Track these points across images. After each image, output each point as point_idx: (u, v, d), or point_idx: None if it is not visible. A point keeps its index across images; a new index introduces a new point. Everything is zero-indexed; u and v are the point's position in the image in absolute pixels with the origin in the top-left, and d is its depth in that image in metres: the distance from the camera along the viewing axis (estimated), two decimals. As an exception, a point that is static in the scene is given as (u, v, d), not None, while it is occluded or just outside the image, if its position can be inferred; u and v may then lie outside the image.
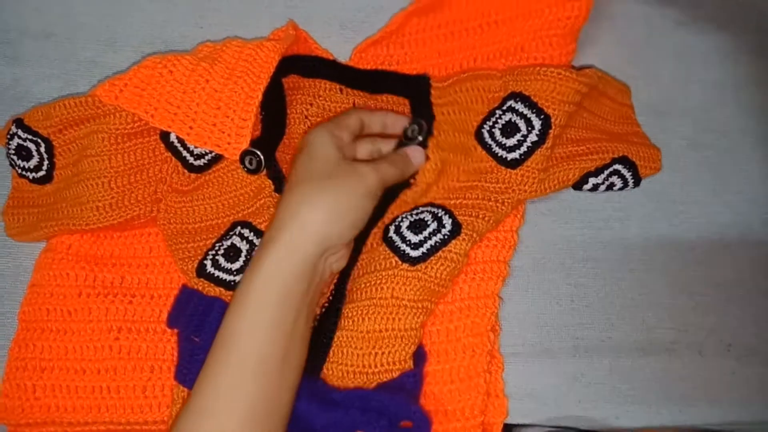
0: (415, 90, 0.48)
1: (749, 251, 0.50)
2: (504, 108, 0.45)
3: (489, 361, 0.44)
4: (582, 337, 0.48)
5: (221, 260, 0.44)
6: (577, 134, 0.47)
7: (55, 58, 0.52)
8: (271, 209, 0.45)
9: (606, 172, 0.47)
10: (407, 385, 0.42)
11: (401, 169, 0.45)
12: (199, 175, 0.47)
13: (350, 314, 0.43)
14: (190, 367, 0.42)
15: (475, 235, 0.44)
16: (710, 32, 0.55)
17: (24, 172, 0.47)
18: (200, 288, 0.44)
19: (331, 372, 0.42)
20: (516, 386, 0.46)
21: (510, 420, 0.46)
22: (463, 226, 0.44)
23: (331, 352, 0.43)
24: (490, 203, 0.45)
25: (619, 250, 0.49)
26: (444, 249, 0.43)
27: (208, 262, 0.44)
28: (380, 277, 0.43)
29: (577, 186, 0.47)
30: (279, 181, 0.46)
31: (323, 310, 0.44)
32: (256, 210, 0.46)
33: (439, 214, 0.44)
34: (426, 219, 0.44)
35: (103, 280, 0.46)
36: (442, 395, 0.43)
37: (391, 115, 0.48)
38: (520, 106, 0.45)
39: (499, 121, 0.45)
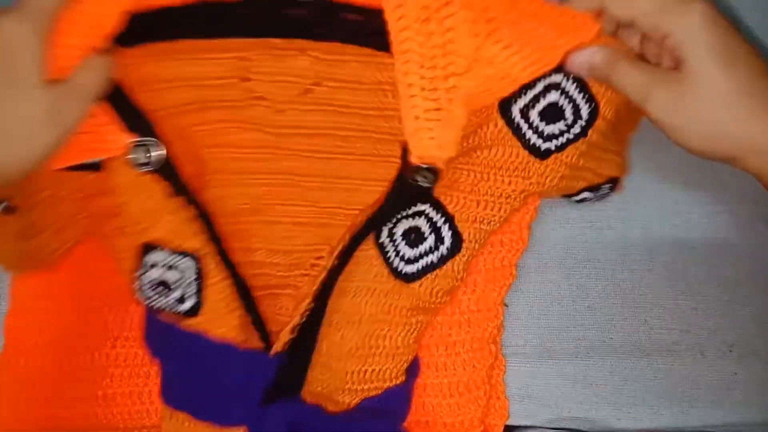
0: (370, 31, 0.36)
1: (751, 251, 0.50)
2: (548, 83, 0.37)
3: (491, 366, 0.43)
4: (583, 338, 0.47)
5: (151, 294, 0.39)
6: None
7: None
8: (183, 224, 0.38)
9: (600, 192, 0.44)
10: (393, 402, 0.40)
11: (104, 73, 0.35)
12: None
13: (336, 328, 0.40)
14: (167, 386, 0.40)
15: (477, 246, 0.40)
16: (711, 30, 0.55)
17: None
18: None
19: (316, 389, 0.39)
20: (517, 388, 0.46)
21: (511, 422, 0.45)
22: (465, 240, 0.39)
23: (317, 369, 0.39)
24: (500, 200, 0.39)
25: (620, 251, 0.49)
26: (441, 267, 0.39)
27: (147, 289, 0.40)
28: (370, 289, 0.39)
29: (568, 197, 0.44)
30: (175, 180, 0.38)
31: (304, 319, 0.40)
32: (162, 228, 0.38)
33: (438, 225, 0.39)
34: (423, 230, 0.39)
35: (99, 289, 0.44)
36: (440, 408, 0.42)
37: None
38: (570, 87, 0.37)
39: (539, 100, 0.37)
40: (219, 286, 0.38)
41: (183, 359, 0.39)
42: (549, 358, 0.47)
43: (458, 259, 0.39)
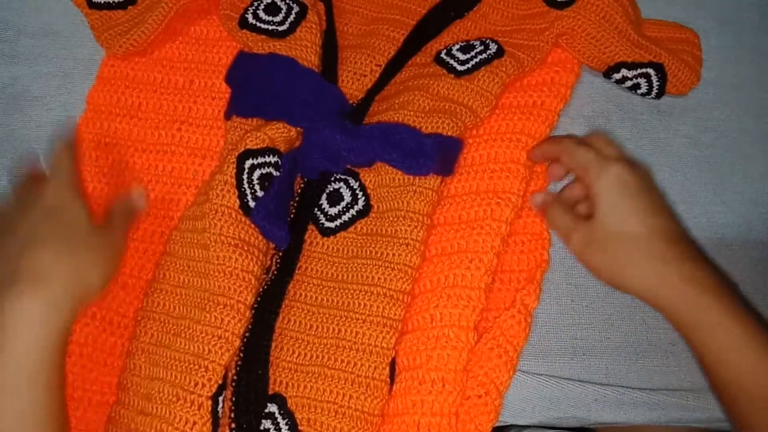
0: None
1: (749, 251, 0.50)
2: None
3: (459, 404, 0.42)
4: (581, 338, 0.47)
5: (262, 14, 0.49)
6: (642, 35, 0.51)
7: (53, 56, 0.52)
8: None
9: (639, 71, 0.50)
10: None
11: (130, 217, 0.44)
12: None
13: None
14: (238, 104, 0.47)
15: (515, 63, 0.47)
16: (711, 32, 0.55)
17: None
18: (244, 40, 0.48)
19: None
20: (514, 386, 0.46)
21: (507, 420, 0.45)
22: (506, 53, 0.48)
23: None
24: (532, 43, 0.49)
25: (618, 250, 0.49)
26: (489, 65, 0.47)
27: (250, 15, 0.49)
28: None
29: (608, 73, 0.51)
30: None
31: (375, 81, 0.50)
32: None
33: (487, 42, 0.49)
34: (474, 44, 0.49)
35: (176, 82, 0.50)
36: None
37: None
38: None
39: None
40: (312, 25, 0.48)
41: (266, 78, 0.47)
42: (546, 357, 0.47)
43: (501, 62, 0.47)
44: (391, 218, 0.43)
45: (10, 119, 0.50)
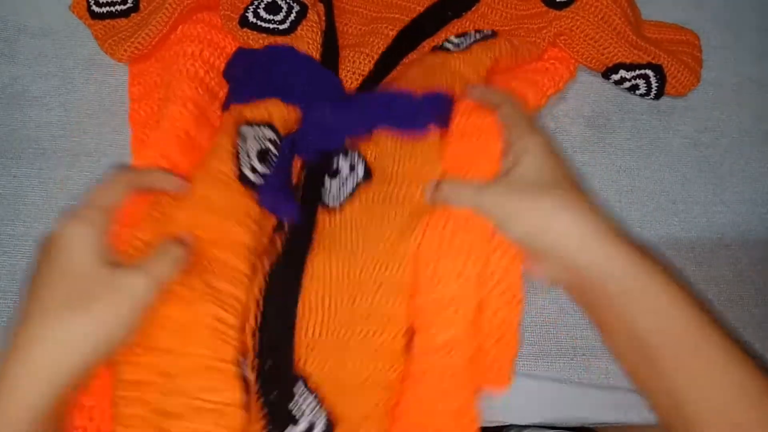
0: None
1: (749, 251, 0.50)
2: None
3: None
4: (580, 338, 0.47)
5: (263, 13, 0.49)
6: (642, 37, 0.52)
7: (53, 56, 0.52)
8: None
9: (637, 72, 0.50)
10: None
11: (176, 260, 0.37)
12: None
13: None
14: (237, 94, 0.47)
15: (509, 45, 0.48)
16: (711, 32, 0.55)
17: (110, 8, 0.50)
18: (245, 38, 0.48)
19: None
20: (514, 386, 0.46)
21: (507, 420, 0.45)
22: (499, 34, 0.49)
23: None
24: (530, 38, 0.50)
25: (618, 250, 0.49)
26: (483, 42, 0.48)
27: (250, 14, 0.49)
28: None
29: (607, 74, 0.51)
30: None
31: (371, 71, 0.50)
32: None
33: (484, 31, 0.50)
34: (469, 33, 0.50)
35: (184, 50, 0.48)
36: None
37: (159, 175, 0.42)
38: None
39: None
40: (313, 24, 0.49)
41: (264, 69, 0.47)
42: (546, 357, 0.47)
43: (495, 40, 0.48)
44: (394, 183, 0.43)
45: (10, 119, 0.50)
